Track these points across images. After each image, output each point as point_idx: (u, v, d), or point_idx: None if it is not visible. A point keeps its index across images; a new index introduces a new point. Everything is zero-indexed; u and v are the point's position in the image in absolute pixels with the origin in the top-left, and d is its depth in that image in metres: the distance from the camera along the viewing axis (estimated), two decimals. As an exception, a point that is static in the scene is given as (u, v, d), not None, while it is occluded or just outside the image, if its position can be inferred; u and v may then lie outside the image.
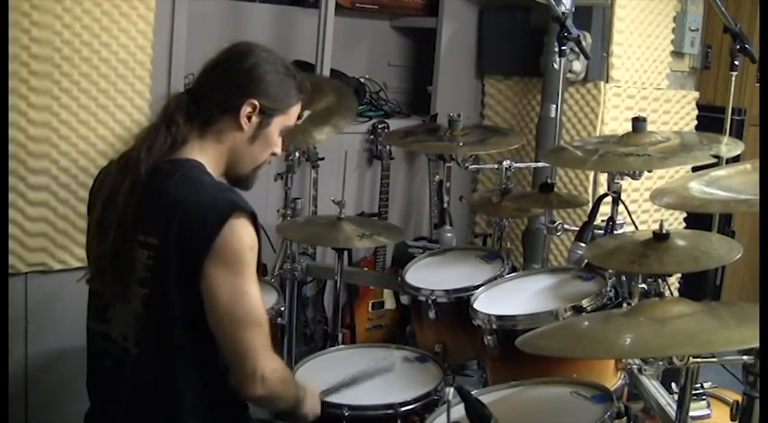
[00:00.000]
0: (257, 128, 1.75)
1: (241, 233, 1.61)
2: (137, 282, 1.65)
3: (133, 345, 1.67)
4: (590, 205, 2.60)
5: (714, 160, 2.06)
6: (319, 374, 2.23)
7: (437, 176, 3.08)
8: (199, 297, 1.61)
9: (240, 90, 1.73)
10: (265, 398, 1.68)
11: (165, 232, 1.61)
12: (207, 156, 1.74)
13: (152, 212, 1.65)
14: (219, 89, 1.74)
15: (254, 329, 1.63)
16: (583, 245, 2.31)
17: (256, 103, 1.72)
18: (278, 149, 1.83)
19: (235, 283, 1.60)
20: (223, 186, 1.73)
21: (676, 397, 1.74)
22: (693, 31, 3.99)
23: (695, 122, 3.98)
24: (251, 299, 1.62)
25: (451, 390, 1.48)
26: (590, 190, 3.59)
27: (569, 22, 2.72)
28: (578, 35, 2.74)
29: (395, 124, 3.62)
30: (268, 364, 1.64)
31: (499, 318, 2.11)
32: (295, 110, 1.81)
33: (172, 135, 1.70)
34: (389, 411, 2.03)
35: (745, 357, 1.45)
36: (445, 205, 2.82)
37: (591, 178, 3.61)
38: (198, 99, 1.74)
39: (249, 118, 1.73)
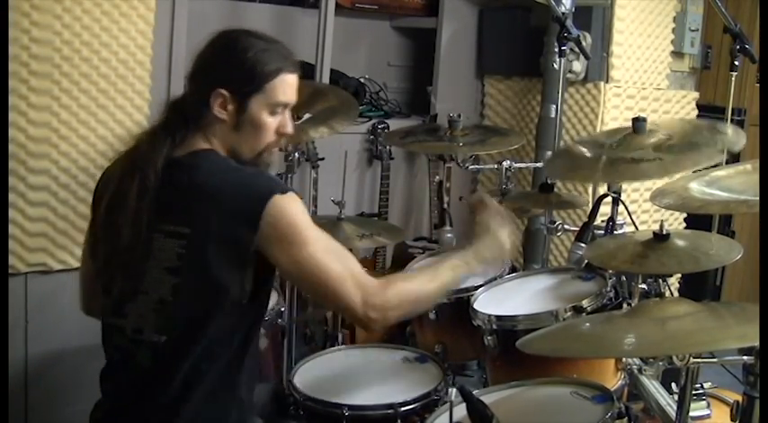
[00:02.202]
0: (236, 114, 1.71)
1: (284, 208, 1.62)
2: (165, 271, 1.65)
3: (155, 333, 1.66)
4: (590, 205, 2.60)
5: (724, 158, 2.06)
6: (320, 375, 2.23)
7: (437, 177, 3.08)
8: (236, 283, 1.63)
9: (206, 82, 1.71)
10: (398, 317, 1.71)
11: (198, 221, 1.63)
12: (214, 146, 1.74)
13: (180, 203, 1.66)
14: (192, 85, 1.75)
15: (338, 285, 1.65)
16: (583, 245, 2.31)
17: (223, 91, 1.68)
18: (286, 129, 1.77)
19: (299, 253, 1.63)
20: (255, 170, 1.74)
21: (676, 397, 1.74)
22: (693, 31, 3.99)
23: (695, 119, 3.98)
24: (319, 261, 1.64)
25: (454, 390, 1.48)
26: (590, 190, 3.59)
27: (569, 23, 2.72)
28: (578, 35, 2.74)
29: (395, 124, 3.62)
30: (369, 309, 1.65)
31: (499, 318, 2.11)
32: (275, 83, 1.72)
33: (171, 134, 1.71)
34: (389, 411, 2.04)
35: (745, 358, 1.45)
36: (445, 205, 2.82)
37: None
38: (184, 98, 1.76)
39: (223, 107, 1.70)
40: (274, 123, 1.75)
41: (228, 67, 1.71)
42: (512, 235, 1.94)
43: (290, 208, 1.64)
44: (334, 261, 1.67)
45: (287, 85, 1.74)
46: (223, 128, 1.72)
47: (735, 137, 2.14)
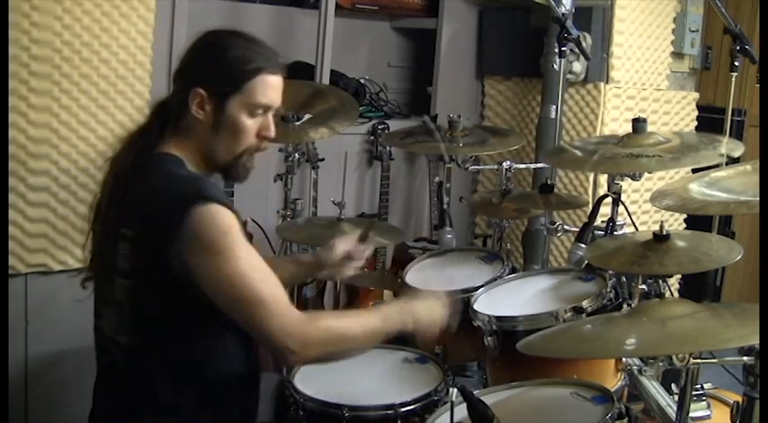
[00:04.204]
0: (214, 115, 1.66)
1: (207, 221, 1.54)
2: (119, 273, 1.64)
3: (119, 335, 1.67)
4: (590, 206, 2.60)
5: (723, 159, 2.06)
6: (319, 375, 2.23)
7: (437, 177, 3.08)
8: (170, 286, 1.58)
9: (185, 82, 1.69)
10: (316, 360, 1.65)
11: (138, 224, 1.61)
12: (184, 151, 1.70)
13: (131, 206, 1.63)
14: (174, 85, 1.74)
15: (257, 308, 1.55)
16: (583, 246, 2.31)
17: (201, 90, 1.65)
18: (268, 132, 1.71)
19: (219, 268, 1.54)
20: (193, 177, 1.67)
21: (676, 398, 1.74)
22: (693, 31, 3.99)
23: (695, 123, 3.98)
24: (242, 279, 1.55)
25: (455, 390, 1.48)
26: (590, 191, 3.59)
27: (569, 23, 2.72)
28: (578, 36, 2.74)
29: (395, 125, 3.62)
30: (287, 338, 1.55)
31: (499, 319, 2.10)
32: (254, 84, 1.66)
33: (145, 136, 1.70)
34: (389, 412, 2.03)
35: (745, 358, 1.45)
36: (445, 206, 2.82)
37: (591, 179, 3.61)
38: (167, 100, 1.76)
39: (201, 107, 1.66)
40: (254, 126, 1.70)
41: (207, 65, 1.68)
42: (445, 310, 1.86)
43: (216, 218, 1.55)
44: (259, 282, 1.57)
45: (267, 87, 1.69)
46: (201, 129, 1.69)
47: (732, 147, 2.15)
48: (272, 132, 1.73)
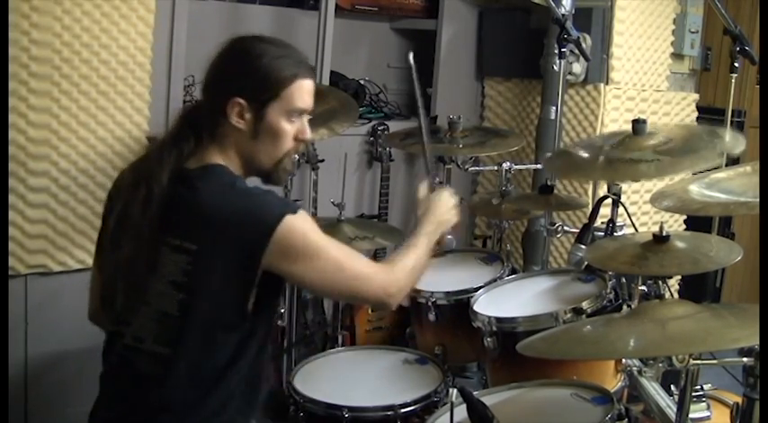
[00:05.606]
0: (254, 123, 1.70)
1: (295, 230, 1.64)
2: (170, 285, 1.64)
3: (158, 345, 1.67)
4: (590, 207, 2.60)
5: (722, 160, 2.06)
6: (320, 376, 2.23)
7: (437, 178, 3.08)
8: (231, 297, 1.65)
9: (222, 92, 1.70)
10: (409, 289, 1.85)
11: (205, 240, 1.62)
12: (227, 159, 1.73)
13: (186, 219, 1.65)
14: (207, 95, 1.75)
15: (359, 282, 1.74)
16: (583, 247, 2.31)
17: (240, 100, 1.67)
18: (304, 135, 1.77)
19: (322, 268, 1.68)
20: (259, 190, 1.71)
21: (676, 399, 1.74)
22: (693, 32, 4.00)
23: (695, 124, 3.98)
24: (340, 265, 1.71)
25: (455, 391, 1.48)
26: (590, 192, 3.59)
27: (569, 24, 2.72)
28: (578, 37, 2.74)
29: (395, 126, 3.62)
30: (386, 292, 1.76)
31: (499, 320, 2.11)
32: (292, 90, 1.71)
33: (179, 146, 1.70)
34: (389, 413, 2.04)
35: (745, 359, 1.45)
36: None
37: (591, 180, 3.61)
38: (199, 108, 1.77)
39: (241, 116, 1.69)
40: (292, 130, 1.75)
41: (244, 75, 1.70)
42: (449, 201, 2.00)
43: (301, 227, 1.65)
44: (350, 259, 1.74)
45: (303, 91, 1.73)
46: (241, 137, 1.71)
47: (733, 141, 2.14)
48: (309, 135, 1.79)
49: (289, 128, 1.73)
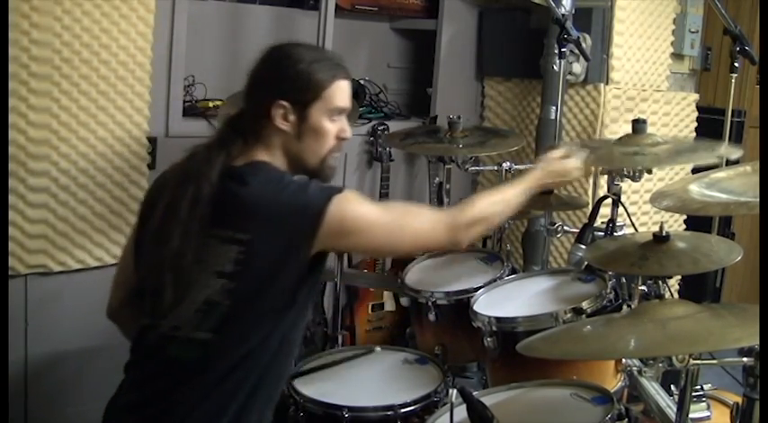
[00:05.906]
0: (298, 124, 1.79)
1: (343, 207, 1.71)
2: (215, 274, 1.68)
3: (200, 332, 1.69)
4: (590, 207, 2.60)
5: (721, 161, 2.07)
6: (320, 376, 2.23)
7: (437, 178, 3.07)
8: (290, 288, 1.70)
9: (265, 95, 1.78)
10: (483, 228, 1.94)
11: (256, 230, 1.68)
12: (273, 158, 1.81)
13: (236, 211, 1.71)
14: (251, 101, 1.83)
15: (413, 236, 1.83)
16: (583, 247, 2.31)
17: (284, 102, 1.77)
18: (345, 133, 1.86)
19: (379, 233, 1.78)
20: (305, 179, 1.81)
21: (676, 399, 1.74)
22: (693, 32, 4.00)
23: (695, 124, 3.98)
24: (396, 226, 1.80)
25: (454, 391, 1.48)
26: (590, 192, 3.59)
27: (569, 24, 2.72)
28: (578, 37, 2.74)
29: (395, 126, 3.62)
30: (446, 235, 1.84)
31: (499, 320, 2.10)
32: (332, 90, 1.80)
33: (226, 148, 1.77)
34: (389, 413, 2.04)
35: (745, 359, 1.45)
36: (445, 207, 2.82)
37: (590, 180, 3.61)
38: (242, 114, 1.84)
39: (285, 118, 1.78)
40: (334, 129, 1.84)
41: (286, 79, 1.78)
42: (575, 161, 2.12)
43: (349, 203, 1.73)
44: (408, 220, 1.83)
45: (342, 91, 1.83)
46: (286, 138, 1.80)
47: (731, 151, 2.17)
48: (349, 133, 1.88)
49: (331, 127, 1.83)
